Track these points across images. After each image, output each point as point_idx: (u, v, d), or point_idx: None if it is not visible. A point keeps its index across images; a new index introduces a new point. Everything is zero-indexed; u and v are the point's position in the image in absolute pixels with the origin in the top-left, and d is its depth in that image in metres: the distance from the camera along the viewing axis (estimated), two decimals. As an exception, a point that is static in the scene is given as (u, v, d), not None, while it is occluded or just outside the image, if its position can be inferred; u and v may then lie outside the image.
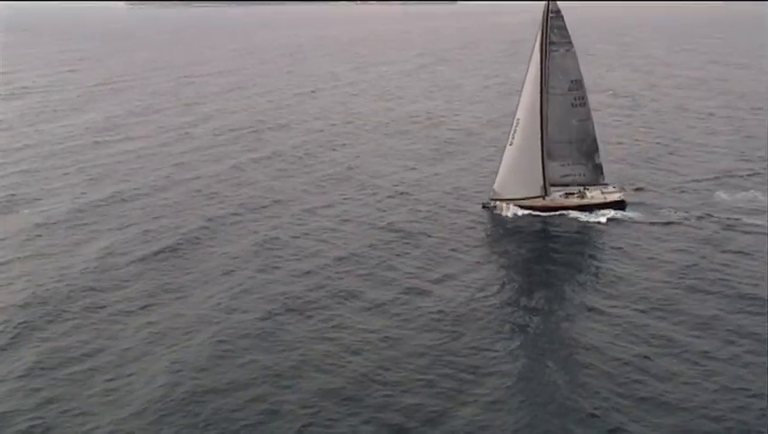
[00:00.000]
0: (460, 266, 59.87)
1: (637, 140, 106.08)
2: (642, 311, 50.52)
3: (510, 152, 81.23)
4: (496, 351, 44.12)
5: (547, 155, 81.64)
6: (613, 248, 69.27)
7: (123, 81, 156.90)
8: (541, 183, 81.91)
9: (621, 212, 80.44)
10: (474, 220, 78.99)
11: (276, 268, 57.83)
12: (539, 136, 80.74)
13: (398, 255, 61.08)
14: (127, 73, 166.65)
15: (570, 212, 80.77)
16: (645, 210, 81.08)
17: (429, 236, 67.58)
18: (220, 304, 49.60)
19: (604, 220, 77.34)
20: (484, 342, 45.08)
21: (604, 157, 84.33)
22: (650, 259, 61.94)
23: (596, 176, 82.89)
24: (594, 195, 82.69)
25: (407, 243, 64.58)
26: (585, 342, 45.36)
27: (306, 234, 65.77)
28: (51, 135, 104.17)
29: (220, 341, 44.17)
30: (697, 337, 46.05)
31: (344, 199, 79.22)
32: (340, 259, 60.25)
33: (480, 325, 47.74)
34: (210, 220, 69.84)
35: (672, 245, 68.46)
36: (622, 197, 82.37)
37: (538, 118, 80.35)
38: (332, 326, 46.75)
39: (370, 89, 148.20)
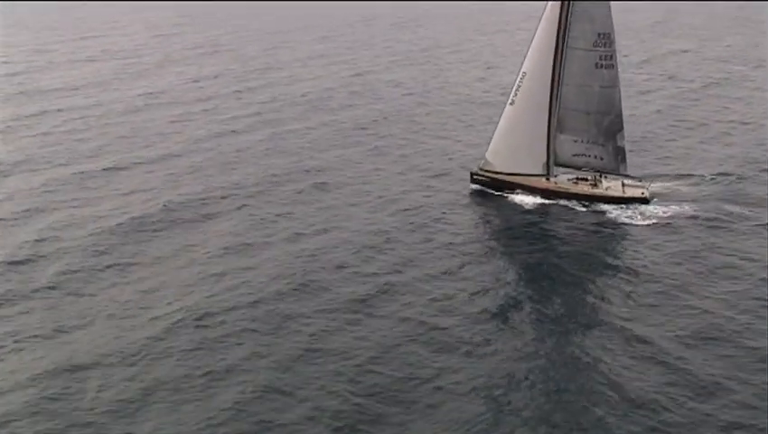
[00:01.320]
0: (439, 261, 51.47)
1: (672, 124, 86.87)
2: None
3: (509, 113, 65.05)
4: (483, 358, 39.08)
5: (556, 125, 64.41)
6: (623, 252, 55.19)
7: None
8: (544, 159, 64.85)
9: (643, 210, 61.97)
10: (454, 199, 64.98)
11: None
12: (549, 99, 63.75)
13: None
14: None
15: (575, 201, 64.73)
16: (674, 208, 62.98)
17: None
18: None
19: (624, 218, 61.40)
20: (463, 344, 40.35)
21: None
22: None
23: (616, 163, 65.16)
24: (610, 186, 64.76)
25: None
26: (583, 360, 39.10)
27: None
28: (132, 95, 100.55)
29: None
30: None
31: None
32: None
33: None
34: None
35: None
36: (647, 194, 64.04)
37: (548, 76, 63.53)
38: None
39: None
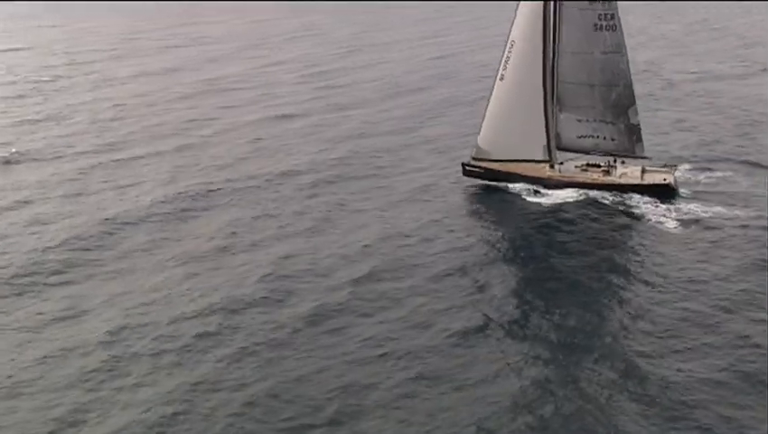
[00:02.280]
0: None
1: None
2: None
3: (499, 91, 55.10)
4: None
5: (556, 102, 53.91)
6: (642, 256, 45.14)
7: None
8: (544, 142, 54.31)
9: (666, 202, 50.71)
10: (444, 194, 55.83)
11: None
12: (542, 70, 53.29)
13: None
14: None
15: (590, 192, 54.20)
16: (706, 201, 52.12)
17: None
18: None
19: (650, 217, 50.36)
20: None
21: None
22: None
23: (631, 143, 54.04)
24: (626, 173, 53.66)
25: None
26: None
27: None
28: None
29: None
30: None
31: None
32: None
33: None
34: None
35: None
36: (670, 181, 52.48)
37: (539, 43, 53.00)
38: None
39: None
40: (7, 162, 63.54)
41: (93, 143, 69.00)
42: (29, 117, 78.32)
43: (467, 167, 56.70)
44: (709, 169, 57.83)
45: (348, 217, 50.44)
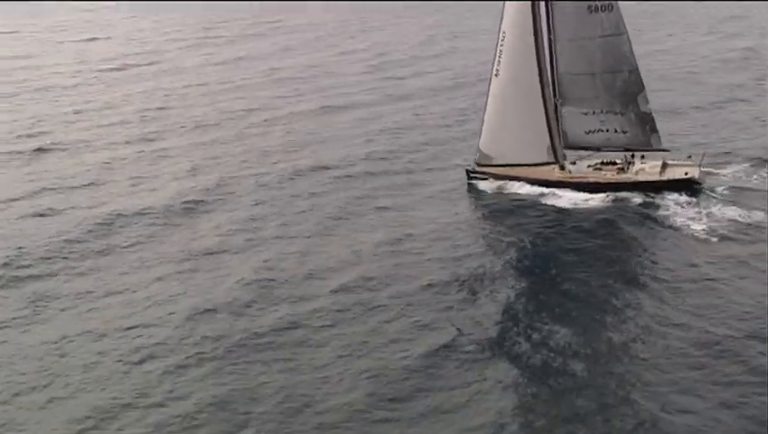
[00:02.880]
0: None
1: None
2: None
3: (495, 89, 49.73)
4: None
5: (558, 96, 48.22)
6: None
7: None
8: (547, 142, 48.64)
9: (694, 202, 44.63)
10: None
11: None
12: (536, 62, 47.82)
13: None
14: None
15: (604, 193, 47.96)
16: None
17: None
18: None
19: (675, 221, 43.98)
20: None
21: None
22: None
23: (645, 135, 47.76)
24: (644, 169, 47.53)
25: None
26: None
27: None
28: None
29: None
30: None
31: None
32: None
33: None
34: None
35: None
36: (694, 175, 46.03)
37: (530, 31, 47.52)
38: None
39: None
40: (39, 150, 62.67)
41: (131, 133, 67.07)
42: (78, 107, 77.33)
43: (471, 174, 51.35)
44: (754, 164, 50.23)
45: (358, 217, 46.38)
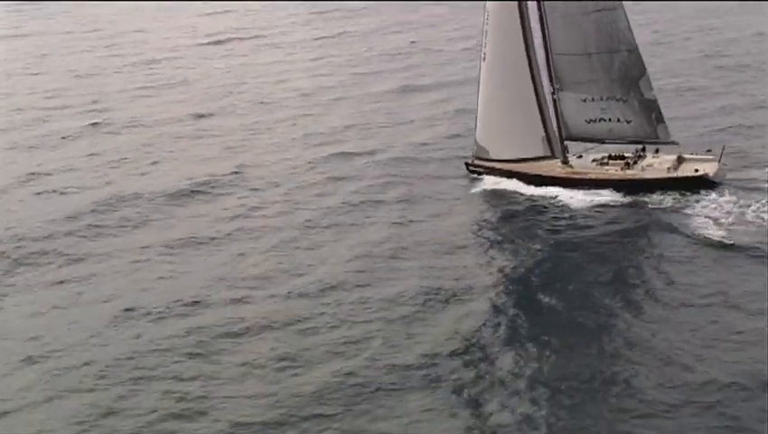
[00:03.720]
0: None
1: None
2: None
3: (484, 74, 44.15)
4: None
5: (556, 81, 42.30)
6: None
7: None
8: (542, 133, 42.79)
9: (712, 204, 37.97)
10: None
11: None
12: (523, 41, 42.15)
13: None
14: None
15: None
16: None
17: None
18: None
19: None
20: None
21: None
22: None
23: (651, 126, 41.16)
24: (653, 164, 40.98)
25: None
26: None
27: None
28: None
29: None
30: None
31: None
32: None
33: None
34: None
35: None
36: (707, 172, 39.12)
37: (515, 7, 41.92)
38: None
39: None
40: (95, 124, 62.00)
41: (186, 111, 64.58)
42: (153, 82, 75.78)
43: (471, 167, 45.72)
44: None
45: (356, 212, 42.07)
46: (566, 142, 43.75)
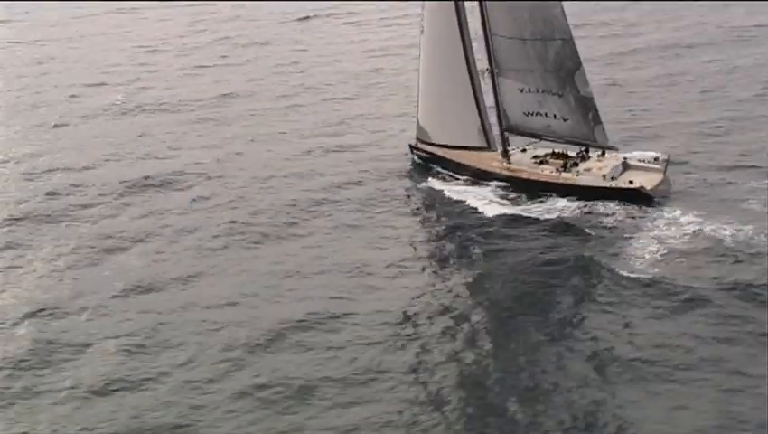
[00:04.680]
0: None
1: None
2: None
3: (423, 49, 40.03)
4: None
5: (495, 65, 37.92)
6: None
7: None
8: (478, 123, 38.57)
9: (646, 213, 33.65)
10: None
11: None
12: (456, 17, 37.88)
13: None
14: None
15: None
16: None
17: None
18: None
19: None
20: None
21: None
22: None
23: (588, 126, 36.32)
24: (592, 169, 36.27)
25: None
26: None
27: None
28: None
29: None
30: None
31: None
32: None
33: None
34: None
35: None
36: (644, 186, 34.33)
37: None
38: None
39: None
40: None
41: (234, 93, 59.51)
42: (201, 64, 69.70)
43: (414, 150, 41.80)
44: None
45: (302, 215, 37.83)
46: (507, 134, 38.86)
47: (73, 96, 61.78)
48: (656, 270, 29.51)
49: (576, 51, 34.93)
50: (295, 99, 56.56)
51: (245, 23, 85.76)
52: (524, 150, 39.15)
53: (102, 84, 64.60)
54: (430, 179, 39.95)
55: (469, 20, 38.06)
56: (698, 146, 40.60)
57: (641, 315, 27.36)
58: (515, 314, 28.47)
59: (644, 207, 34.34)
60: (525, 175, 37.21)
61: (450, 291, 30.59)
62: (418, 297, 30.08)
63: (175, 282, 32.39)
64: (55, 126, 54.75)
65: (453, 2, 37.16)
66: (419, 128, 41.37)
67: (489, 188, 38.24)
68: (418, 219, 37.44)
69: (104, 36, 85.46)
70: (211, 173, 43.61)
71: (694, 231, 31.79)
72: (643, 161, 36.46)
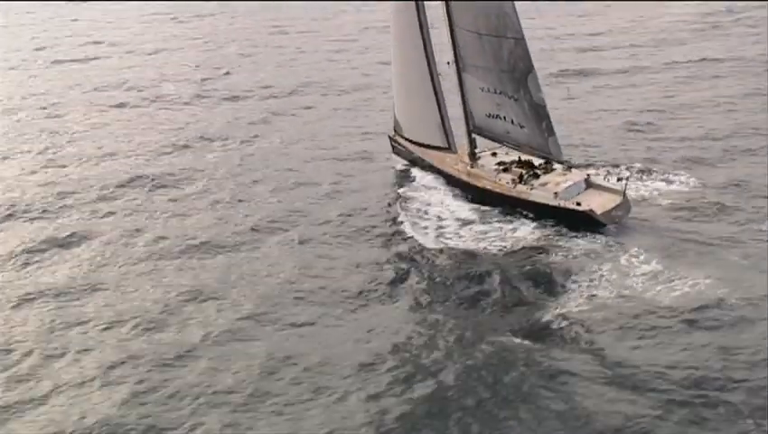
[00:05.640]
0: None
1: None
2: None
3: (392, 48, 37.66)
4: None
5: (459, 60, 34.96)
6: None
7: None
8: (439, 122, 35.72)
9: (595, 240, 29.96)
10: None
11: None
12: (414, 5, 35.10)
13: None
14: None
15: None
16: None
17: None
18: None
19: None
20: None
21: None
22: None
23: (542, 136, 32.77)
24: (549, 184, 32.78)
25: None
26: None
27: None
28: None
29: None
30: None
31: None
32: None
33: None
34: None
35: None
36: (592, 207, 30.62)
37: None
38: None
39: None
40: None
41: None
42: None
43: (392, 143, 39.20)
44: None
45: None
46: (475, 135, 35.43)
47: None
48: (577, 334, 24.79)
49: (528, 53, 30.94)
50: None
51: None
52: (494, 154, 35.50)
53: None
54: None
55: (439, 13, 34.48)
56: (680, 165, 35.76)
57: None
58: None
59: (596, 235, 30.16)
60: (479, 184, 33.64)
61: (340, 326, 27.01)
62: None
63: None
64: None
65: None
66: (395, 121, 38.35)
67: (453, 195, 34.88)
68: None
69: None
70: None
71: (643, 285, 26.49)
72: (608, 179, 32.16)
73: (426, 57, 34.26)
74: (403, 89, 36.76)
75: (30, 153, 46.44)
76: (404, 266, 29.80)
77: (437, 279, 28.79)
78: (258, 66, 65.57)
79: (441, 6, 33.67)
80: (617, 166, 35.37)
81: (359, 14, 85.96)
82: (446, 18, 33.67)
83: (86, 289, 29.86)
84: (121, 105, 56.22)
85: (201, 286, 29.35)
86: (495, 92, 32.85)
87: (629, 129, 42.30)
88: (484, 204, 33.32)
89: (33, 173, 43.17)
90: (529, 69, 31.08)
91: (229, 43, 76.21)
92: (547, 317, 25.49)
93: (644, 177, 34.26)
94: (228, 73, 63.48)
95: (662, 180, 34.18)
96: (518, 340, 24.56)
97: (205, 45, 76.51)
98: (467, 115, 35.02)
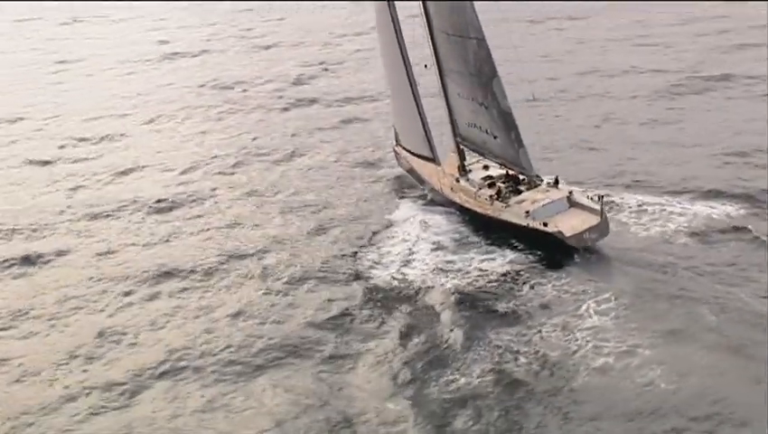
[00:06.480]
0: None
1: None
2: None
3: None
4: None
5: (441, 62, 32.51)
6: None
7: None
8: (421, 130, 33.23)
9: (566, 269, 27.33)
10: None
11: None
12: (389, 14, 32.91)
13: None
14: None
15: None
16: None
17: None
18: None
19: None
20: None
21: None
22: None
23: (513, 147, 29.56)
24: (526, 201, 29.68)
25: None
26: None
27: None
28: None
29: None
30: None
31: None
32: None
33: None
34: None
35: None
36: (562, 229, 27.34)
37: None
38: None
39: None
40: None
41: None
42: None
43: (395, 153, 36.93)
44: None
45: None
46: (462, 145, 32.39)
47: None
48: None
49: (491, 56, 27.59)
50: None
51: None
52: (485, 167, 32.21)
53: None
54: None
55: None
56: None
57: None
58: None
59: (570, 267, 26.44)
60: (458, 200, 30.46)
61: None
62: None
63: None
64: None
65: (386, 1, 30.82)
66: (395, 129, 35.70)
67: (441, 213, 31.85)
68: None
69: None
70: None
71: (579, 349, 21.99)
72: (591, 196, 28.38)
73: (402, 59, 31.24)
74: (391, 93, 34.04)
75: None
76: (345, 305, 26.32)
77: (368, 320, 25.36)
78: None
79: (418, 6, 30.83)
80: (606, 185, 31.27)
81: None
82: (424, 18, 30.68)
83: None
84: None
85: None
86: (469, 99, 29.72)
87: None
88: (472, 223, 30.14)
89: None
90: (494, 73, 27.80)
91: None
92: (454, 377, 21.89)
93: (637, 194, 30.04)
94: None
95: (656, 203, 29.95)
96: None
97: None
98: (453, 124, 31.91)
